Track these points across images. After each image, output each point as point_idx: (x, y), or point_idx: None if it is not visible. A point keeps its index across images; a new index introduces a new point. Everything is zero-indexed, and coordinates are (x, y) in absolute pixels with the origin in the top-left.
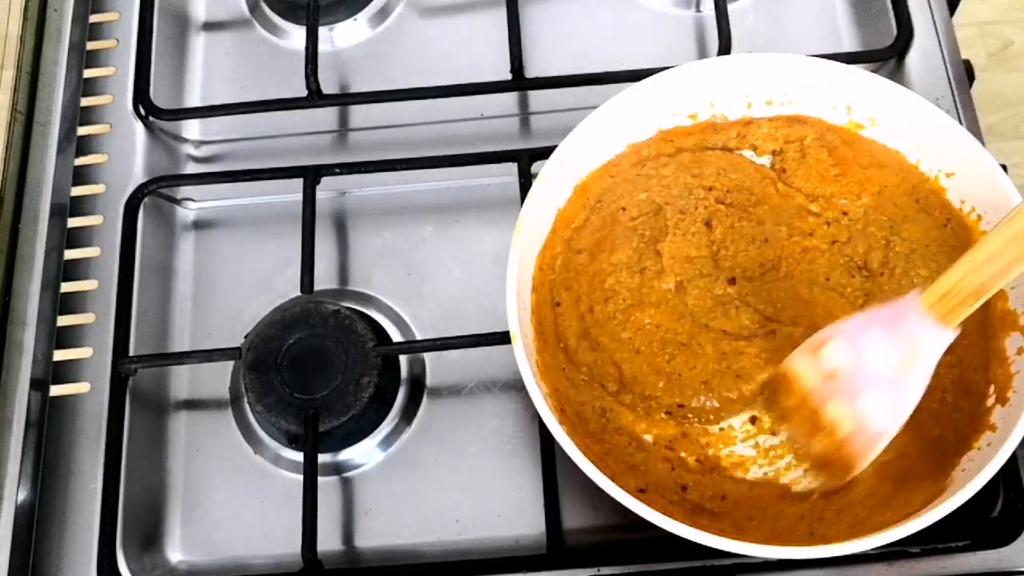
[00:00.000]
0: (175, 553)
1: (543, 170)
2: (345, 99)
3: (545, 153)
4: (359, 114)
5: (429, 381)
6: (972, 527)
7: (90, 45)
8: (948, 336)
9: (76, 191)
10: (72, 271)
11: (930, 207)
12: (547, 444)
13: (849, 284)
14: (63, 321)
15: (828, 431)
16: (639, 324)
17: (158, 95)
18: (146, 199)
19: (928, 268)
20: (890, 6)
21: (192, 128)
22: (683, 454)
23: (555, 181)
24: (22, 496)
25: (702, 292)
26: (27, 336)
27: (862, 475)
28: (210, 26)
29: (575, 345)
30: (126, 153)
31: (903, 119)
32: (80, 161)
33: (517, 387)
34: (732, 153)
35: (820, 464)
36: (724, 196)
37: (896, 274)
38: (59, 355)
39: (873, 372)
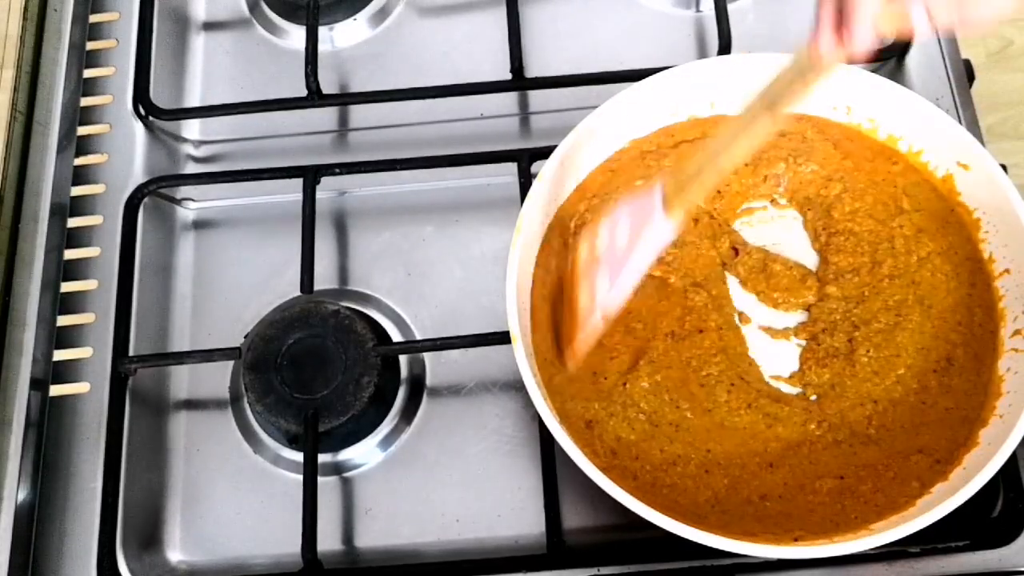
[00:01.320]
0: (175, 553)
1: (543, 170)
2: (345, 99)
3: (545, 153)
4: (359, 114)
5: (429, 381)
6: (972, 527)
7: (90, 45)
8: (670, 224)
9: (76, 191)
10: (72, 271)
11: (936, 195)
12: (547, 444)
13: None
14: (63, 321)
15: (574, 310)
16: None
17: (158, 95)
18: (146, 199)
19: (936, 243)
20: None
21: (192, 128)
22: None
23: (555, 181)
24: (22, 496)
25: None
26: (27, 336)
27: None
28: (210, 26)
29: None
30: (126, 153)
31: (903, 119)
32: (80, 161)
33: (517, 387)
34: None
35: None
36: (735, 176)
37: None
38: (59, 355)
39: (615, 254)
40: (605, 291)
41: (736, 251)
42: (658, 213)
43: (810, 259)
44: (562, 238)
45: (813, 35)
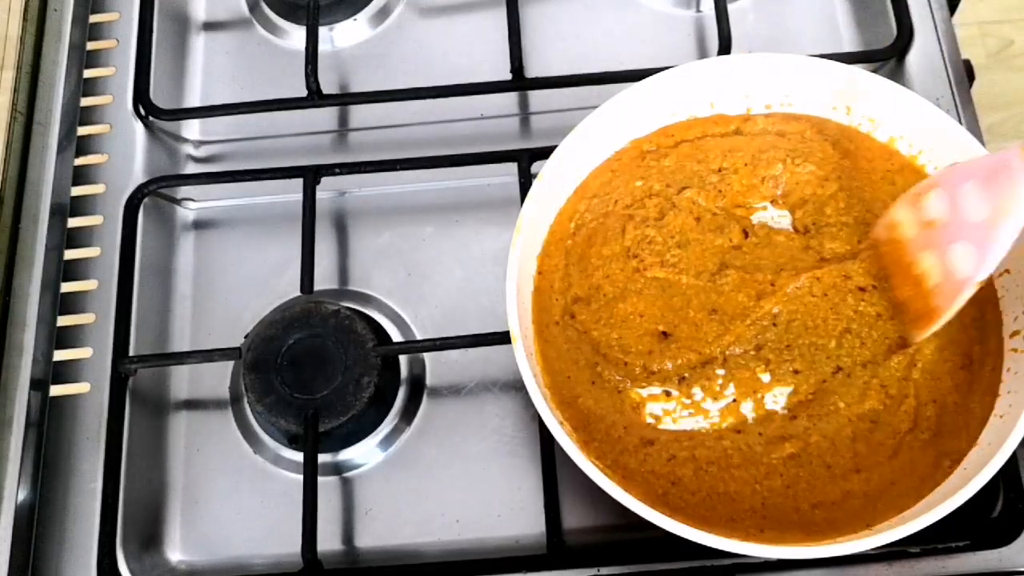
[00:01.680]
0: (175, 553)
1: (543, 170)
2: (345, 99)
3: (545, 153)
4: (359, 114)
5: (429, 381)
6: (972, 527)
7: (90, 45)
8: None
9: (76, 191)
10: (72, 271)
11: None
12: (547, 444)
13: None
14: (63, 321)
15: (916, 281)
16: (624, 315)
17: (158, 95)
18: (146, 199)
19: None
20: (890, 6)
21: (192, 128)
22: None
23: (555, 181)
24: (22, 496)
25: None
26: (27, 336)
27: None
28: (210, 26)
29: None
30: (126, 153)
31: (903, 119)
32: (80, 161)
33: (517, 387)
34: (735, 135)
35: (904, 314)
36: (732, 176)
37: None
38: (59, 355)
39: (967, 221)
40: (972, 259)
41: (747, 234)
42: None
43: None
44: (562, 237)
45: None
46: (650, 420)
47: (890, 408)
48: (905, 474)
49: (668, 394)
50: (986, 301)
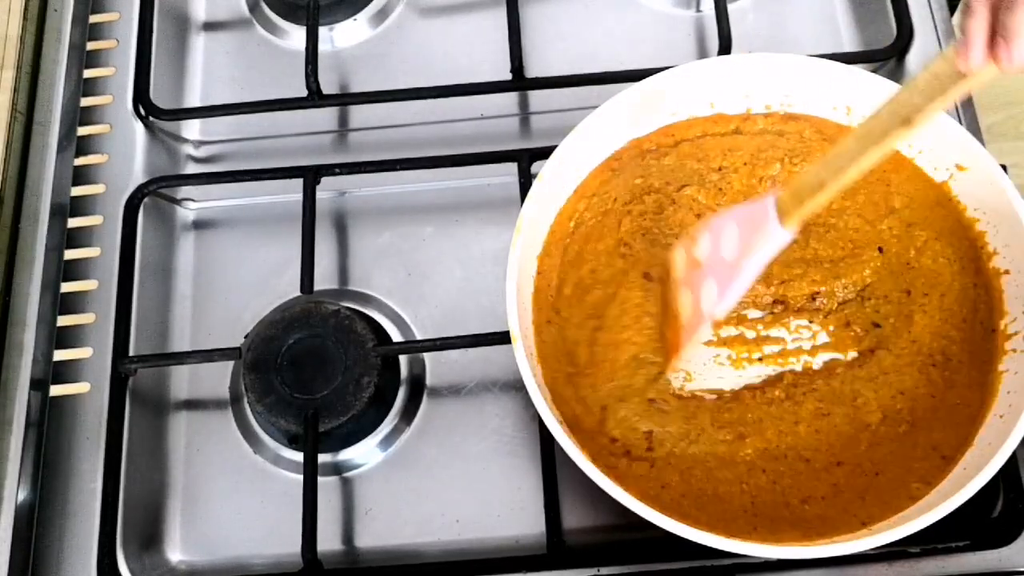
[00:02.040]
0: (175, 553)
1: (543, 170)
2: (345, 99)
3: (545, 153)
4: (359, 114)
5: (429, 381)
6: (972, 527)
7: (90, 45)
8: (785, 234)
9: (76, 191)
10: (72, 271)
11: (931, 192)
12: (547, 444)
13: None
14: (63, 321)
15: (675, 317)
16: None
17: (158, 95)
18: (146, 199)
19: (929, 236)
20: (890, 6)
21: (192, 128)
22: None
23: (555, 181)
24: (22, 496)
25: None
26: (27, 336)
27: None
28: (210, 26)
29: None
30: (126, 153)
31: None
32: (80, 161)
33: (517, 387)
34: (735, 135)
35: (668, 349)
36: (731, 175)
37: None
38: (59, 355)
39: (721, 261)
40: (714, 299)
41: None
42: (772, 223)
43: None
44: (562, 237)
45: (961, 48)
46: (612, 428)
47: (840, 403)
48: (890, 465)
49: (623, 400)
50: (978, 300)
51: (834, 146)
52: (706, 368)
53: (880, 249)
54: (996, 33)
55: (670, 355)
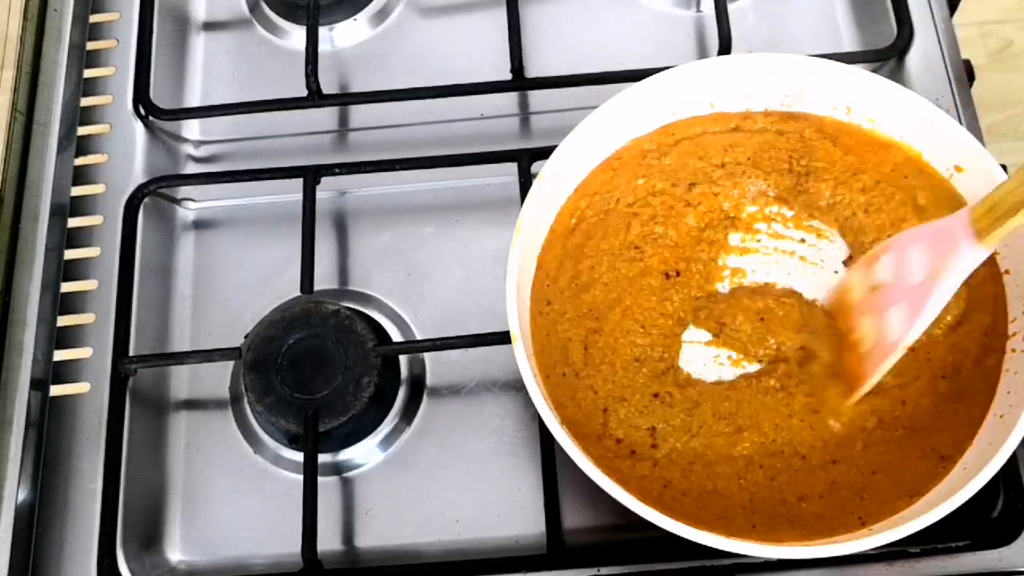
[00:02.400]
0: (175, 553)
1: (543, 170)
2: (345, 99)
3: (545, 153)
4: (359, 114)
5: (429, 381)
6: (972, 527)
7: (90, 45)
8: (982, 253)
9: (76, 191)
10: (72, 271)
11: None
12: (547, 444)
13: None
14: (63, 321)
15: (853, 345)
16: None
17: (158, 95)
18: (146, 199)
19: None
20: (890, 6)
21: (192, 128)
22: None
23: (555, 181)
24: (22, 496)
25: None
26: (27, 336)
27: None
28: (210, 26)
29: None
30: (126, 153)
31: (903, 119)
32: (80, 161)
33: (517, 387)
34: (734, 132)
35: (838, 380)
36: (736, 170)
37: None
38: (59, 355)
39: (907, 284)
40: (903, 322)
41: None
42: (966, 242)
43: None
44: (562, 237)
45: None
46: (615, 429)
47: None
48: (887, 464)
49: (624, 399)
50: (998, 312)
51: None
52: (706, 368)
53: None
54: None
55: (853, 386)
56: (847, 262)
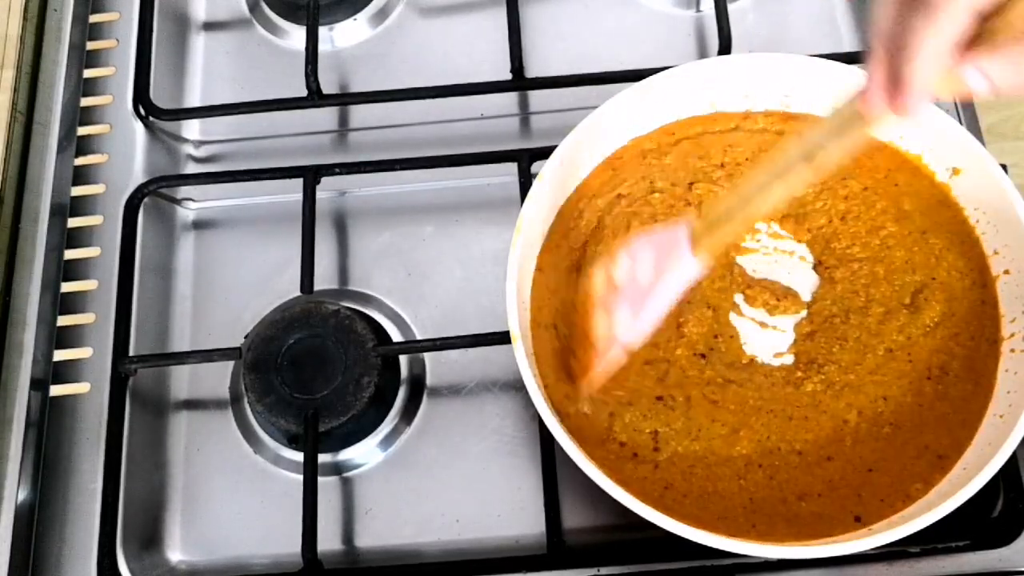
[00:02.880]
0: (175, 553)
1: (543, 170)
2: (345, 99)
3: (545, 153)
4: (359, 114)
5: (429, 381)
6: (972, 527)
7: (90, 45)
8: (696, 265)
9: (76, 191)
10: (72, 271)
11: (935, 193)
12: (547, 444)
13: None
14: (63, 321)
15: (591, 342)
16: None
17: (158, 95)
18: (146, 199)
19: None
20: None
21: (192, 128)
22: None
23: (555, 181)
24: (22, 496)
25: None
26: (27, 336)
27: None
28: (210, 26)
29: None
30: (126, 153)
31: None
32: (80, 161)
33: (517, 387)
34: (734, 131)
35: (579, 374)
36: (736, 170)
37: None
38: (59, 355)
39: (638, 286)
40: (627, 324)
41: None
42: (684, 251)
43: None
44: (562, 237)
45: (862, 91)
46: (619, 433)
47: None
48: (881, 462)
49: (631, 404)
50: (985, 317)
51: (744, 177)
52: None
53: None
54: (893, 81)
55: (578, 378)
56: (816, 268)
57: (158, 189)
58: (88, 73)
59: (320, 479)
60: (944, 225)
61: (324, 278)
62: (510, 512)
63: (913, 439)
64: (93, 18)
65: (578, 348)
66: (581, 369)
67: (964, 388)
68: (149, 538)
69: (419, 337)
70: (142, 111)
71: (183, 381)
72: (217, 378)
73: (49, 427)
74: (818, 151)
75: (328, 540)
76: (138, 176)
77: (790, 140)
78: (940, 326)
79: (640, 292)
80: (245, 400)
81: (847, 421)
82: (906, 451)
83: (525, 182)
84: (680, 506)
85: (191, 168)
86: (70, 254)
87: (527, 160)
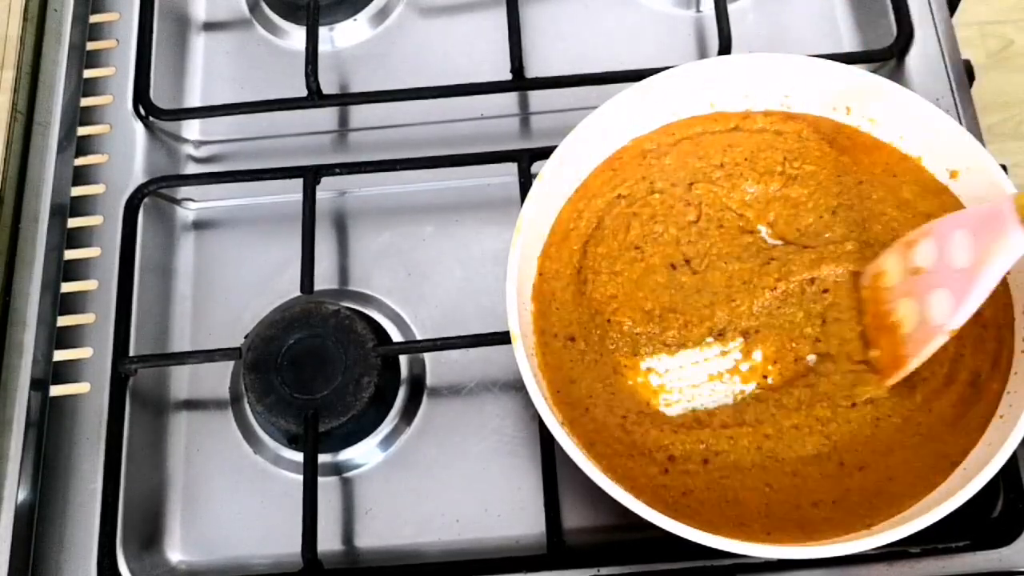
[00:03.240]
0: (175, 553)
1: (543, 170)
2: (345, 99)
3: (545, 153)
4: (359, 114)
5: (429, 381)
6: (972, 527)
7: (90, 45)
8: None
9: (76, 191)
10: (72, 271)
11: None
12: (547, 444)
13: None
14: (63, 321)
15: (891, 328)
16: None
17: (158, 95)
18: (146, 199)
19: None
20: (890, 6)
21: (192, 128)
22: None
23: (555, 181)
24: (22, 496)
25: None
26: (27, 336)
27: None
28: (210, 26)
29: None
30: (126, 153)
31: (903, 119)
32: (80, 161)
33: (517, 387)
34: (734, 131)
35: (870, 368)
36: (735, 170)
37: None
38: (59, 355)
39: (951, 269)
40: (948, 310)
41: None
42: (1013, 228)
43: None
44: (562, 237)
45: None
46: (663, 408)
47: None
48: (903, 471)
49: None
50: (1003, 304)
51: None
52: (722, 389)
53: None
54: None
55: (888, 369)
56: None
57: (158, 189)
58: (88, 73)
59: (320, 479)
60: (949, 210)
61: (324, 278)
62: (510, 512)
63: (937, 449)
64: (93, 18)
65: (881, 340)
66: (890, 361)
67: (987, 391)
68: (149, 538)
69: (419, 337)
70: (142, 111)
71: (183, 381)
72: (217, 378)
73: (49, 427)
74: None
75: (328, 540)
76: (138, 176)
77: None
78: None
79: (958, 275)
80: (245, 400)
81: (889, 432)
82: (927, 461)
83: (525, 182)
84: (695, 513)
85: (191, 168)
86: (70, 254)
87: (527, 160)
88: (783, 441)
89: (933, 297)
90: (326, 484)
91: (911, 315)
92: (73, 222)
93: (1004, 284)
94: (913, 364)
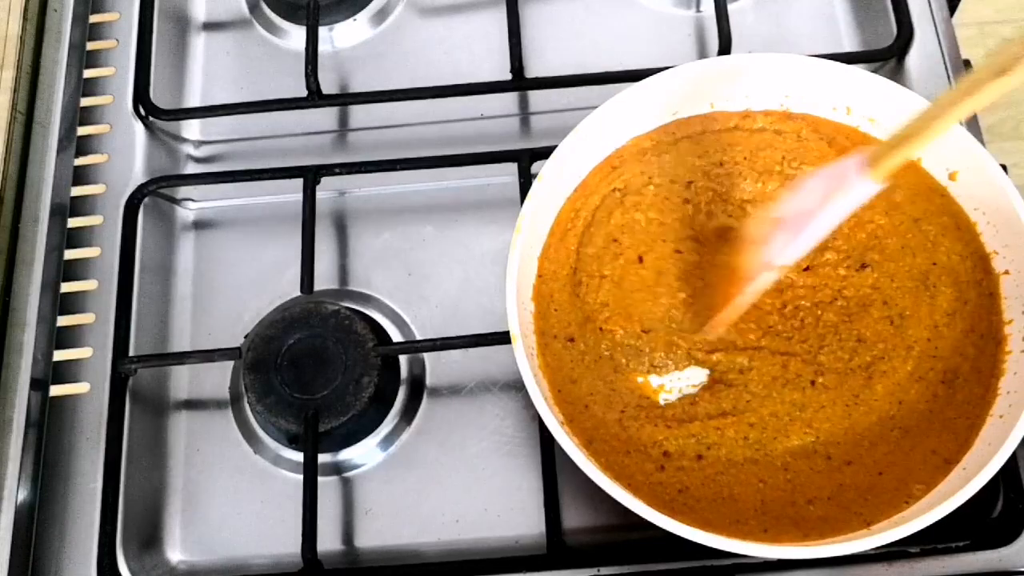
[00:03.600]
0: (175, 553)
1: (543, 170)
2: (345, 99)
3: (545, 153)
4: (359, 114)
5: (429, 381)
6: (972, 527)
7: (90, 45)
8: (871, 186)
9: (76, 191)
10: (72, 271)
11: (930, 188)
12: (547, 444)
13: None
14: (63, 321)
15: (739, 274)
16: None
17: (158, 95)
18: (146, 199)
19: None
20: (890, 6)
21: (192, 128)
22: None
23: (555, 181)
24: (22, 496)
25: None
26: (27, 336)
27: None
28: (210, 26)
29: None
30: (126, 153)
31: (903, 119)
32: (80, 161)
33: (517, 387)
34: (733, 131)
35: (707, 311)
36: (735, 169)
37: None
38: (59, 355)
39: (797, 214)
40: (782, 247)
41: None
42: (857, 175)
43: None
44: (561, 236)
45: None
46: (664, 400)
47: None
48: (891, 464)
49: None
50: (993, 312)
51: (933, 101)
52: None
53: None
54: None
55: (711, 312)
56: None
57: (158, 189)
58: (88, 73)
59: (320, 479)
60: (937, 214)
61: (324, 278)
62: (510, 512)
63: (920, 443)
64: (93, 18)
65: (720, 283)
66: (721, 299)
67: (971, 392)
68: (149, 538)
69: (419, 337)
70: (142, 111)
71: (183, 381)
72: (217, 378)
73: (49, 427)
74: (1014, 63)
75: (328, 540)
76: (138, 176)
77: (983, 59)
78: (953, 316)
79: (802, 217)
80: (245, 400)
81: (866, 424)
82: (914, 455)
83: (525, 182)
84: (691, 510)
85: (191, 168)
86: (70, 254)
87: (527, 160)
88: (767, 432)
89: (775, 239)
90: (326, 484)
91: (752, 260)
92: (73, 222)
93: (992, 296)
94: (740, 301)
